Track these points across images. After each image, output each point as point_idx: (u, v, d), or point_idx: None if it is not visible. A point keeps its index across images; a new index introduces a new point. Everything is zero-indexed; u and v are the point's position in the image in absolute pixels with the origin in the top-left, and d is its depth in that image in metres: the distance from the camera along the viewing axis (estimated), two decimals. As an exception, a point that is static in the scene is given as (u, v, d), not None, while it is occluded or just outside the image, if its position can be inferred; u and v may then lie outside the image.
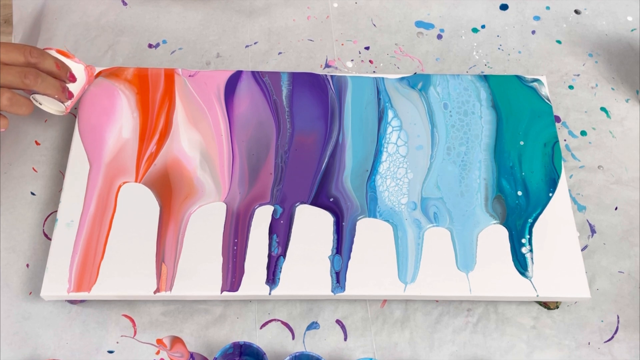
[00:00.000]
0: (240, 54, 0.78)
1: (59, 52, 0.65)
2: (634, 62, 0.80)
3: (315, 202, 0.64)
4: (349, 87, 0.71)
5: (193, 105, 0.69)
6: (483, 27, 0.82)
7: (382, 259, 0.62)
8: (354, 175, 0.66)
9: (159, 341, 0.57)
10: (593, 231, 0.68)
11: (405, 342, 0.61)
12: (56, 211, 0.63)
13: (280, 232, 0.63)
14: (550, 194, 0.66)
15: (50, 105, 0.65)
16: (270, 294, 0.60)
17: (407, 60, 0.78)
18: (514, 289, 0.61)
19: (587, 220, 0.68)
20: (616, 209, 0.69)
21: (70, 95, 0.65)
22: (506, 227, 0.64)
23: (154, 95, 0.70)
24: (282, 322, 0.62)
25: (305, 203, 0.64)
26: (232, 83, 0.71)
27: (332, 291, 0.60)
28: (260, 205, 0.64)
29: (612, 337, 0.63)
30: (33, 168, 0.68)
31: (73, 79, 0.65)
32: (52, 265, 0.60)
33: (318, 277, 0.60)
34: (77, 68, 0.66)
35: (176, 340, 0.58)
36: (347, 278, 0.61)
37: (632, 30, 0.82)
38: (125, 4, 0.81)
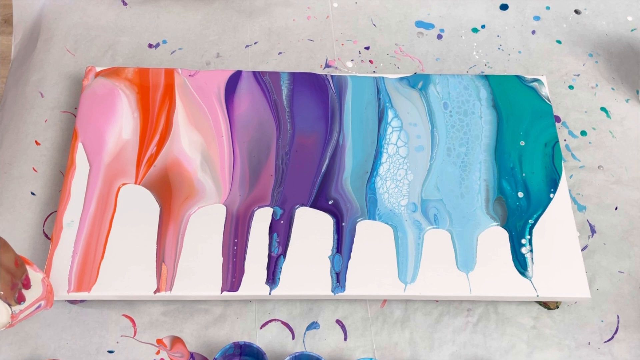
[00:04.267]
0: (240, 54, 0.78)
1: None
2: (634, 62, 0.80)
3: (315, 205, 0.64)
4: (349, 87, 0.71)
5: (193, 105, 0.69)
6: (483, 27, 0.82)
7: (382, 259, 0.62)
8: (354, 177, 0.66)
9: (159, 341, 0.57)
10: (593, 231, 0.68)
11: (405, 342, 0.61)
12: (56, 211, 0.63)
13: (281, 232, 0.63)
14: (551, 195, 0.66)
15: None
16: (270, 294, 0.60)
17: (407, 60, 0.78)
18: (514, 289, 0.61)
19: (587, 220, 0.68)
20: (616, 209, 0.69)
21: (20, 298, 0.53)
22: (506, 229, 0.64)
23: (154, 95, 0.70)
24: (282, 322, 0.62)
25: (305, 205, 0.64)
26: (232, 83, 0.71)
27: (332, 291, 0.60)
28: (260, 207, 0.64)
29: (612, 337, 0.63)
30: (33, 168, 0.68)
31: (27, 283, 0.54)
32: (52, 265, 0.60)
33: (318, 277, 0.60)
34: (35, 276, 0.56)
35: (176, 340, 0.58)
36: (347, 278, 0.61)
37: (632, 30, 0.82)
38: (125, 4, 0.81)
